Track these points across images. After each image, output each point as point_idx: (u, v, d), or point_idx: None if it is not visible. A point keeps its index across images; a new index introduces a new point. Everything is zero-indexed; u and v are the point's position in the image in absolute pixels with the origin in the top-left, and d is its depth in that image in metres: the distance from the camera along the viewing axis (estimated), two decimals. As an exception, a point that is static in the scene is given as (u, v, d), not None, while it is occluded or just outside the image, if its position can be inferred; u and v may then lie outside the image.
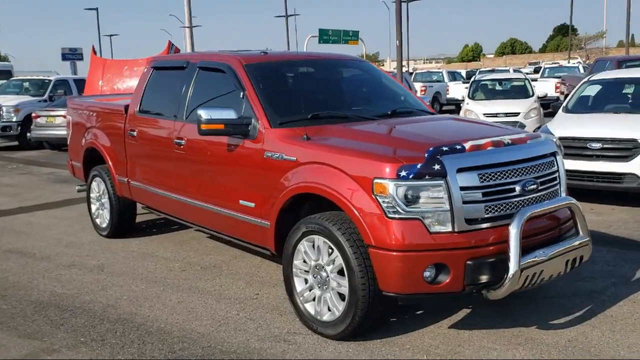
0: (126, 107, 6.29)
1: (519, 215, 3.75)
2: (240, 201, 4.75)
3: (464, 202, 3.71)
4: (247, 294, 5.02)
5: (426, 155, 3.70)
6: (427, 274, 3.68)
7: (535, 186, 4.03)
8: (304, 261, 4.24)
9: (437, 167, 3.66)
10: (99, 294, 5.13)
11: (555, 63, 31.48)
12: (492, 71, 26.37)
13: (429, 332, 4.21)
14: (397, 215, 3.67)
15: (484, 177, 3.81)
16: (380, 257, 3.71)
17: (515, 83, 15.31)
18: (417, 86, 22.56)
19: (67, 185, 10.57)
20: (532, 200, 4.02)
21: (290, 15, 57.56)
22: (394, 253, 3.65)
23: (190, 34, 31.14)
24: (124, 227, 6.86)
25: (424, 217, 3.67)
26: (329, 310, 4.10)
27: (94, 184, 7.01)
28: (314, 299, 4.22)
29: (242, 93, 4.79)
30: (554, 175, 4.29)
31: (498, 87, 15.28)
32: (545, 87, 21.17)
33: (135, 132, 6.03)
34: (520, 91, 14.80)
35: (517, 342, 4.03)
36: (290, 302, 4.39)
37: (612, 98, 8.87)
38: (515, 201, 3.92)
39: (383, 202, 3.69)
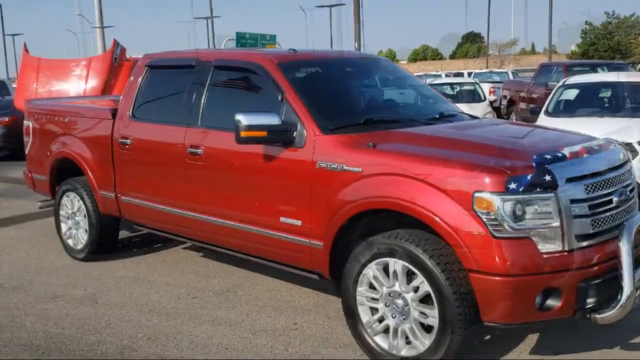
0: (114, 112, 5.47)
1: (627, 229, 3.39)
2: (282, 219, 4.13)
3: (574, 217, 3.29)
4: (283, 324, 4.39)
5: (534, 164, 3.26)
6: (538, 299, 3.24)
7: (625, 196, 3.69)
8: (372, 287, 3.69)
9: (547, 177, 3.23)
10: (105, 332, 4.34)
11: (488, 70, 32.37)
12: (439, 76, 26.67)
13: (513, 361, 3.77)
14: (505, 235, 3.20)
15: (589, 188, 3.42)
16: (485, 283, 3.23)
17: (466, 87, 15.35)
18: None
19: (7, 200, 9.40)
20: (625, 212, 3.67)
21: (209, 18, 56.35)
22: (505, 278, 3.18)
23: (101, 35, 29.54)
24: (105, 248, 6.01)
25: (533, 236, 3.23)
26: (409, 343, 3.57)
27: (65, 200, 6.10)
28: (385, 331, 3.67)
29: (280, 96, 4.17)
30: (633, 184, 3.97)
31: (449, 91, 15.26)
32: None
33: (128, 140, 5.24)
34: (472, 95, 14.83)
35: (613, 368, 3.66)
36: (353, 334, 3.83)
37: (592, 101, 8.87)
38: (614, 213, 3.55)
39: (487, 219, 3.21)
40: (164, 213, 5.04)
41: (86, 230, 5.92)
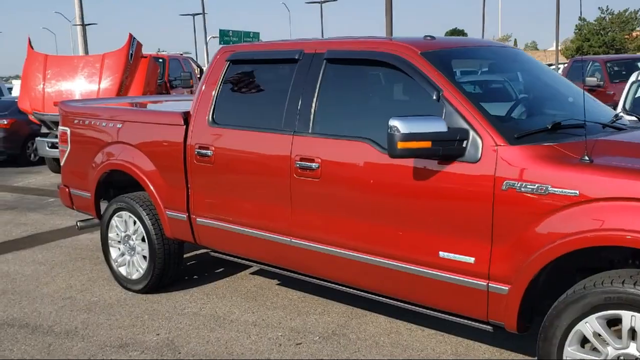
0: (185, 116, 4.51)
1: None
2: (442, 253, 3.22)
3: None
4: (432, 383, 3.49)
5: None
6: None
7: None
8: (593, 349, 2.80)
9: None
10: (210, 399, 3.40)
11: None
12: None
13: None
14: None
15: None
16: None
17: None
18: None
19: (20, 214, 8.35)
20: None
21: (198, 14, 55.15)
22: None
23: (82, 33, 28.27)
24: (168, 279, 5.04)
25: None
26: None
27: (116, 221, 5.12)
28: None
29: (434, 94, 3.26)
30: None
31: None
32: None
33: (209, 151, 4.28)
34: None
35: None
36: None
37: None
38: None
39: None
40: (259, 240, 4.10)
41: (145, 257, 4.96)
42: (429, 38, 3.73)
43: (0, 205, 9.03)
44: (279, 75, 4.12)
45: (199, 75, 14.37)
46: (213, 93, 4.37)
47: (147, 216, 4.82)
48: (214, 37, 49.62)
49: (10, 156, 13.26)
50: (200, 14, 55.52)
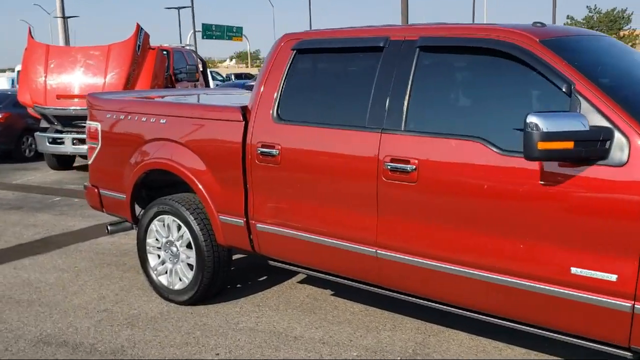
0: (244, 110, 4.05)
1: None
2: (574, 269, 2.82)
3: None
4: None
5: None
6: None
7: None
8: None
9: None
10: None
11: None
12: None
13: None
14: None
15: None
16: None
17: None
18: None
19: (27, 214, 7.80)
20: None
21: (183, 8, 54.45)
22: None
23: (63, 25, 27.47)
24: (216, 289, 4.59)
25: None
26: None
27: (156, 225, 4.65)
28: None
29: (566, 87, 2.85)
30: None
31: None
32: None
33: (275, 150, 3.83)
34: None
35: None
36: None
37: None
38: None
39: None
40: (333, 250, 3.66)
41: (191, 266, 4.50)
42: (539, 25, 3.32)
43: (4, 205, 8.46)
44: (358, 65, 3.69)
45: (202, 69, 13.84)
46: (277, 86, 3.92)
47: (195, 221, 4.36)
48: (197, 31, 48.96)
49: (4, 151, 12.63)
50: (185, 7, 54.77)
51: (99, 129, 4.98)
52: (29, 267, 5.62)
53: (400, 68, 3.41)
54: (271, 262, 4.20)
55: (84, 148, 10.50)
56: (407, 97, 3.34)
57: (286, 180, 3.82)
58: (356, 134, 3.50)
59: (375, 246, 3.46)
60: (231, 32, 56.02)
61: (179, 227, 4.50)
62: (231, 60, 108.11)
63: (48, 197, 8.97)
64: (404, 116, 3.33)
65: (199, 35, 49.00)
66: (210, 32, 52.59)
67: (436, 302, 3.42)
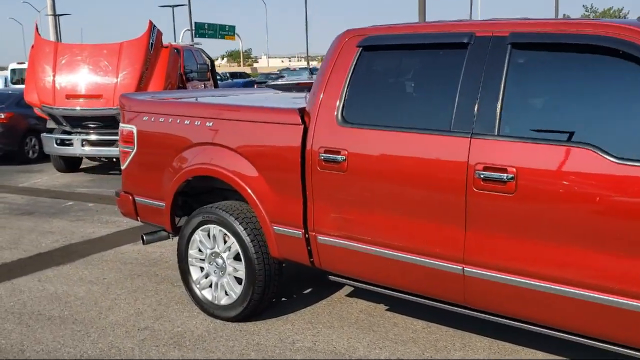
0: (302, 112, 3.74)
1: None
2: None
3: None
4: None
5: None
6: None
7: None
8: None
9: None
10: None
11: None
12: None
13: None
14: None
15: None
16: None
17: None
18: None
19: (41, 219, 7.44)
20: None
21: (177, 6, 54.05)
22: None
23: (55, 24, 26.99)
24: (265, 305, 4.27)
25: None
26: None
27: (200, 235, 4.32)
28: None
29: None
30: None
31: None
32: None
33: (340, 156, 3.52)
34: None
35: None
36: None
37: None
38: None
39: None
40: (410, 266, 3.35)
41: (238, 279, 4.18)
42: None
43: (15, 210, 8.09)
44: (437, 63, 3.39)
45: (210, 68, 13.49)
46: (342, 86, 3.61)
47: (244, 231, 4.04)
48: (187, 30, 48.40)
49: (7, 153, 12.23)
50: (180, 5, 54.34)
51: (135, 132, 4.65)
52: (54, 279, 5.28)
53: (490, 67, 3.10)
54: (332, 278, 3.88)
55: (93, 150, 10.16)
56: (500, 99, 3.04)
57: (354, 189, 3.51)
58: (438, 139, 3.19)
59: (462, 263, 3.15)
60: (224, 31, 55.57)
61: (226, 238, 4.18)
62: (222, 59, 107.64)
63: (60, 201, 8.61)
64: (497, 119, 3.03)
65: (189, 33, 48.52)
66: (202, 30, 52.12)
67: (530, 324, 3.12)
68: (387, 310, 4.45)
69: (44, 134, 10.61)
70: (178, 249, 4.48)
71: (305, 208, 3.76)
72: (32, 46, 10.17)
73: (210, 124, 4.17)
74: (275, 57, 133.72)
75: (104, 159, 11.71)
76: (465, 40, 3.21)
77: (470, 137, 3.08)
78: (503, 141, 3.00)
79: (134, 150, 4.68)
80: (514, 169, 2.93)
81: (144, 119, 4.60)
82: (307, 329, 4.14)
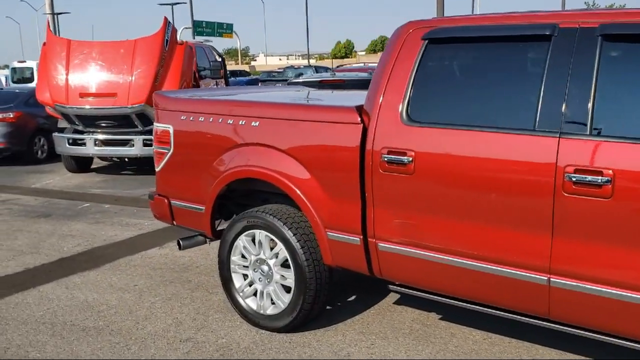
0: (360, 110, 3.50)
1: None
2: None
3: None
4: None
5: None
6: None
7: None
8: None
9: None
10: None
11: None
12: None
13: None
14: None
15: None
16: None
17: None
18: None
19: (59, 222, 7.19)
20: None
21: (177, 4, 53.77)
22: None
23: (53, 22, 26.71)
24: (315, 314, 4.03)
25: None
26: None
27: (244, 241, 4.08)
28: None
29: None
30: None
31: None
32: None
33: (408, 158, 3.28)
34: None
35: None
36: None
37: None
38: None
39: None
40: (490, 276, 3.11)
41: (286, 288, 3.94)
42: None
43: (30, 212, 7.84)
44: (515, 57, 3.15)
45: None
46: (406, 82, 3.37)
47: (294, 237, 3.80)
48: (186, 28, 48.01)
49: (15, 153, 11.98)
50: (179, 3, 54.09)
51: (171, 132, 4.41)
52: (82, 286, 5.04)
53: (578, 60, 2.87)
54: (392, 288, 3.64)
55: (106, 149, 9.92)
56: (591, 96, 2.80)
57: (422, 193, 3.27)
58: (521, 139, 2.95)
59: (548, 273, 2.91)
60: (222, 29, 55.20)
61: (273, 244, 3.94)
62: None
63: (75, 203, 8.35)
64: (589, 118, 2.79)
65: (188, 32, 48.19)
66: (200, 28, 51.75)
67: (621, 338, 2.88)
68: (440, 319, 4.21)
69: (56, 134, 10.36)
70: (219, 255, 4.23)
71: (364, 213, 3.51)
72: (44, 44, 9.90)
73: (257, 123, 3.93)
74: (273, 55, 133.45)
75: (115, 159, 11.46)
76: (548, 32, 2.97)
77: (559, 137, 2.84)
78: (597, 141, 2.76)
79: (170, 151, 4.44)
80: (611, 171, 2.69)
81: (182, 118, 4.36)
82: (360, 340, 3.91)
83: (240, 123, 4.01)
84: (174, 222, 4.60)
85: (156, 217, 4.78)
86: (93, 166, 11.29)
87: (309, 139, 3.70)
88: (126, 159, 11.28)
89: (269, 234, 3.94)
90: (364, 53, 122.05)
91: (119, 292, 4.86)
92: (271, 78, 28.10)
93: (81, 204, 8.28)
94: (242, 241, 4.09)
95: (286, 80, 24.23)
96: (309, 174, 3.70)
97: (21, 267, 5.57)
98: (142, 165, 11.32)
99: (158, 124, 4.53)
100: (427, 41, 3.37)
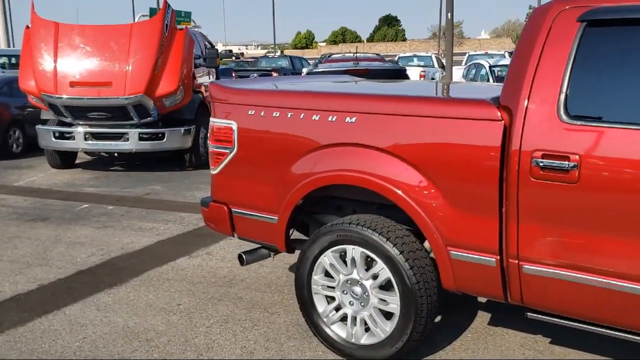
0: (497, 104, 2.92)
1: None
2: None
3: None
4: None
5: None
6: None
7: None
8: None
9: None
10: None
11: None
12: (487, 55, 24.47)
13: None
14: None
15: None
16: None
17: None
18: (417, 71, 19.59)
19: (59, 228, 6.39)
20: None
21: (139, -8, 52.04)
22: None
23: (2, 6, 25.34)
24: (419, 343, 3.43)
25: None
26: None
27: (330, 257, 3.45)
28: None
29: None
30: None
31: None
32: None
33: (572, 164, 2.70)
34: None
35: None
36: None
37: None
38: None
39: None
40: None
41: (388, 314, 3.33)
42: None
43: (23, 215, 6.99)
44: None
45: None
46: (562, 72, 2.79)
47: (400, 254, 3.19)
48: (143, 15, 46.53)
49: (-9, 147, 10.98)
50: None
51: (235, 129, 3.73)
52: (115, 306, 4.32)
53: None
54: (531, 315, 3.06)
55: (98, 144, 9.09)
56: None
57: (591, 206, 2.70)
58: None
59: None
60: (179, 17, 53.78)
61: (370, 262, 3.33)
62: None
63: (72, 204, 7.53)
64: None
65: (145, 19, 46.80)
66: (157, 16, 50.40)
67: None
68: (551, 343, 3.68)
69: (39, 126, 9.44)
70: (297, 275, 3.60)
71: (503, 228, 2.93)
72: (27, 27, 8.96)
73: (353, 119, 3.29)
74: (233, 45, 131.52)
75: (103, 154, 10.60)
76: None
77: None
78: None
79: (234, 152, 3.76)
80: None
81: (250, 113, 3.68)
82: (470, 374, 3.34)
83: (329, 119, 3.37)
84: (235, 234, 3.93)
85: (210, 227, 4.10)
86: (78, 161, 10.41)
87: (429, 138, 3.09)
88: (115, 154, 10.44)
89: (365, 250, 3.32)
90: (324, 44, 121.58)
91: (162, 314, 4.16)
92: (243, 68, 27.20)
93: (79, 204, 7.46)
94: (329, 258, 3.46)
95: (260, 70, 23.44)
96: (426, 180, 3.10)
97: (33, 283, 4.81)
98: (132, 161, 10.51)
99: (216, 120, 3.84)
100: (585, 23, 2.80)
